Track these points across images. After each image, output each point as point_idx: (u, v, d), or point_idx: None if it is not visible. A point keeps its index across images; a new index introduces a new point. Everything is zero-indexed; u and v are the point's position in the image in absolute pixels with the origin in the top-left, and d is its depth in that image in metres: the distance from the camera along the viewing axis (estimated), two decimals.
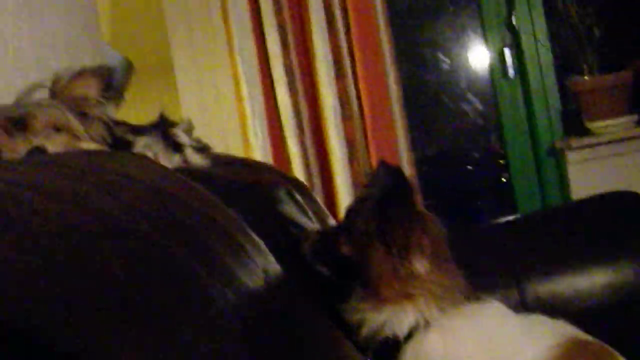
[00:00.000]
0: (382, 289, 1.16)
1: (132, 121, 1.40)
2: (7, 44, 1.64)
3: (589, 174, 2.91)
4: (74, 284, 0.63)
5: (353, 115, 2.78)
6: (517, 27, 3.13)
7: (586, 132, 2.97)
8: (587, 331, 1.19)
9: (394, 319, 1.15)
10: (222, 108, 2.74)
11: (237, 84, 2.73)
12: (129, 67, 2.25)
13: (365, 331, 1.17)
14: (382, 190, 1.20)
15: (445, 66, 3.36)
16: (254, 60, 2.74)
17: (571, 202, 2.86)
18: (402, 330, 1.15)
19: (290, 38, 2.78)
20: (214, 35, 2.79)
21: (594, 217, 1.72)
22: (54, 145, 1.13)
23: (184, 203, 0.87)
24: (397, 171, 1.24)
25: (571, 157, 2.95)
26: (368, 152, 2.82)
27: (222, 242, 0.84)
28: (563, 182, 3.02)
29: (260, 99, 2.73)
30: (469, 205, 3.50)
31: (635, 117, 2.92)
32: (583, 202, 1.94)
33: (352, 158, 2.79)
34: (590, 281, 1.62)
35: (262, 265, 0.91)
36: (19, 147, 1.12)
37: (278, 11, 2.76)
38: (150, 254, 0.75)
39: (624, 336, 1.39)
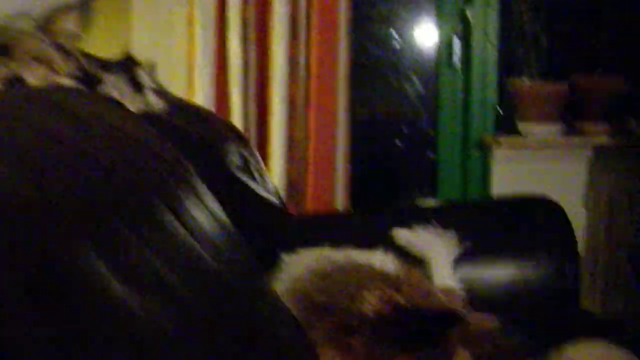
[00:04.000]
0: None
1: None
2: None
3: (512, 173, 3.06)
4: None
5: (299, 77, 2.83)
6: (469, 20, 3.21)
7: (516, 133, 3.10)
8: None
9: None
10: (173, 48, 2.74)
11: (191, 25, 2.74)
12: None
13: None
14: None
15: (395, 44, 3.42)
16: (211, 6, 2.76)
17: (492, 198, 3.00)
18: None
19: None
20: None
21: (510, 215, 1.84)
22: (33, 76, 1.15)
23: (154, 153, 0.92)
24: None
25: (498, 153, 3.08)
26: (307, 113, 2.88)
27: (183, 188, 0.90)
28: (486, 175, 3.15)
29: (211, 45, 2.76)
30: (392, 178, 3.61)
31: (563, 126, 3.07)
32: (503, 200, 2.06)
33: (291, 117, 2.85)
34: (496, 274, 1.75)
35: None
36: None
37: None
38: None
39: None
